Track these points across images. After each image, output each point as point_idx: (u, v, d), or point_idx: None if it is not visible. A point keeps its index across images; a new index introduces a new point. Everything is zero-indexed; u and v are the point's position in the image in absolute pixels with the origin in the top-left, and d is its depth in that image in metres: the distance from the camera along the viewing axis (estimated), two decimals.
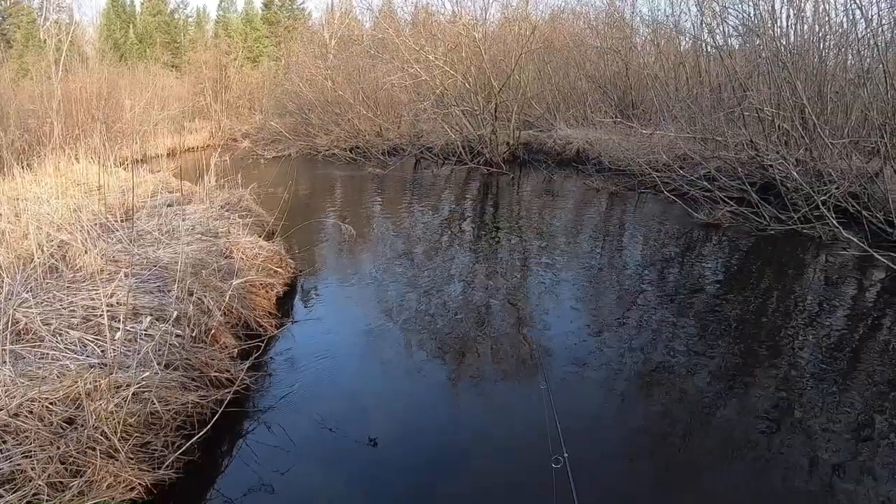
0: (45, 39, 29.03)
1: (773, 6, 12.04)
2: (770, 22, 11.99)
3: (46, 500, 3.12)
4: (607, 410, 4.73)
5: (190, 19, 56.43)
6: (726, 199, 10.48)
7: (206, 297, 5.55)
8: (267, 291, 6.86)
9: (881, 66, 9.73)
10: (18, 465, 3.21)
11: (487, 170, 17.88)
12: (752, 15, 12.48)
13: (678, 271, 8.60)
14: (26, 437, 3.39)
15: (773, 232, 9.56)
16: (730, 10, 13.33)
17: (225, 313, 5.62)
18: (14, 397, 3.61)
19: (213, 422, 4.11)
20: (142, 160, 17.92)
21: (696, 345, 5.85)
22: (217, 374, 4.71)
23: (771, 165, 10.57)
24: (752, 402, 4.76)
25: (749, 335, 6.14)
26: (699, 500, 3.71)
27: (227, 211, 9.59)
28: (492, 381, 5.22)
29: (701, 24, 14.90)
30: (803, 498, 3.66)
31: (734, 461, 3.99)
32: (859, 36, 10.87)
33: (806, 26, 12.16)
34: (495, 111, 18.61)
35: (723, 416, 4.59)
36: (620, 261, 9.10)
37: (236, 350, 5.28)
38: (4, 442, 3.36)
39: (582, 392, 4.98)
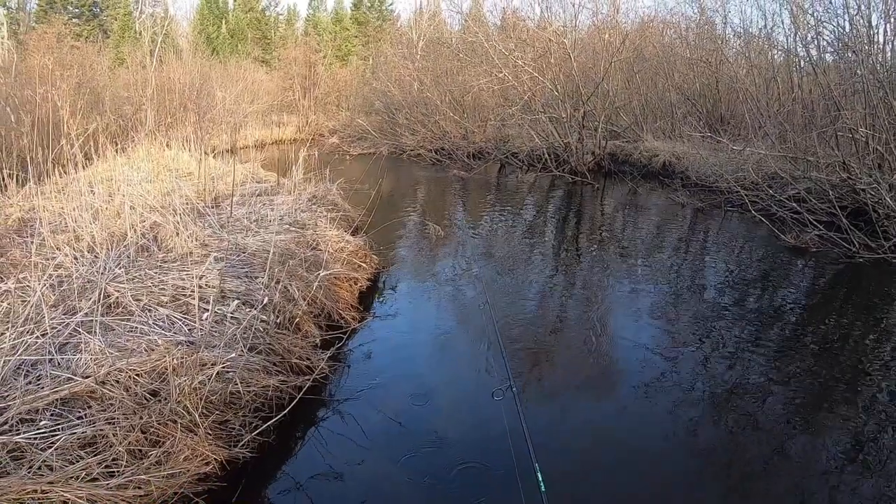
0: (141, 31, 30.32)
1: (870, 21, 11.76)
2: (866, 38, 11.75)
3: (125, 466, 3.27)
4: (675, 432, 4.75)
5: (281, 17, 57.98)
6: (815, 223, 10.30)
7: (291, 285, 5.78)
8: (351, 285, 7.10)
9: None
10: (101, 430, 3.40)
11: (572, 178, 17.94)
12: (847, 30, 12.22)
13: (760, 294, 8.56)
14: (111, 404, 3.62)
15: (861, 260, 9.36)
16: (825, 24, 13.06)
17: (309, 303, 5.85)
18: (102, 366, 3.86)
19: (290, 407, 4.32)
20: (231, 150, 18.46)
21: (771, 372, 5.80)
22: (298, 361, 4.94)
23: (863, 189, 10.36)
24: (825, 440, 4.65)
25: (827, 368, 5.99)
26: None
27: (314, 204, 9.83)
28: (563, 394, 5.36)
29: (795, 37, 14.61)
30: None
31: (800, 495, 4.00)
32: None
33: None
34: (582, 119, 18.64)
35: (793, 449, 4.52)
36: (702, 279, 9.12)
37: (318, 339, 5.53)
38: (90, 407, 3.59)
39: (653, 412, 5.01)
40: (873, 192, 10.01)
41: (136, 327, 4.50)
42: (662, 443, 4.59)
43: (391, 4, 54.23)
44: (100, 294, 4.73)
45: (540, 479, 3.21)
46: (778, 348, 6.45)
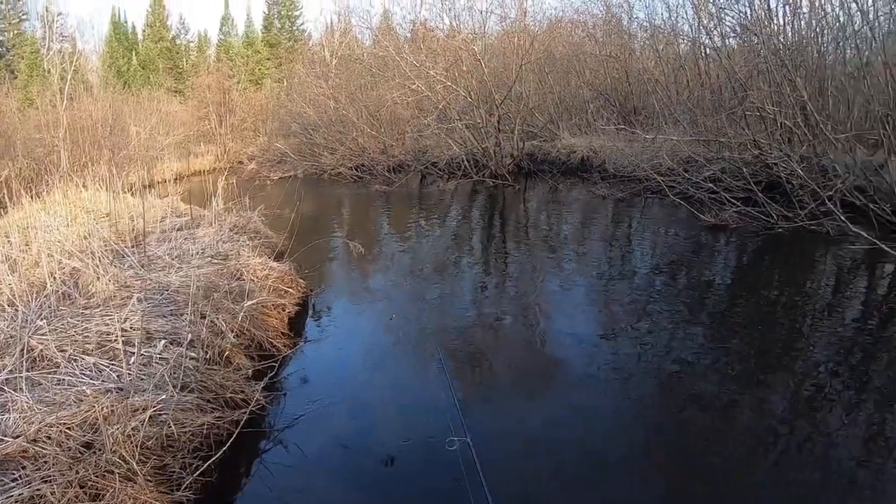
0: (50, 69, 29.38)
1: (768, 4, 12.04)
2: (767, 20, 12.01)
3: None
4: (625, 414, 4.73)
5: (192, 44, 56.76)
6: (732, 200, 10.49)
7: (218, 319, 5.56)
8: (279, 312, 6.84)
9: (880, 57, 9.73)
10: (38, 490, 3.22)
11: (493, 182, 17.90)
12: (748, 14, 12.48)
13: (688, 274, 8.58)
14: (45, 462, 3.42)
15: (780, 230, 9.54)
16: (726, 11, 13.34)
17: (238, 335, 5.61)
18: (32, 423, 3.66)
19: (229, 443, 4.11)
20: (149, 186, 17.94)
21: (710, 346, 5.84)
22: (232, 395, 4.72)
23: (775, 164, 10.56)
24: (769, 401, 4.73)
25: (762, 334, 6.11)
26: (721, 498, 3.69)
27: (236, 233, 9.56)
28: (506, 395, 5.20)
29: (699, 26, 14.89)
30: (820, 495, 3.65)
31: (754, 461, 3.95)
32: (856, 29, 10.84)
33: (803, 22, 12.15)
34: (498, 123, 18.62)
35: (740, 417, 4.55)
36: (630, 266, 9.09)
37: (250, 371, 5.27)
38: (24, 468, 3.38)
39: (599, 399, 4.95)
40: (785, 165, 10.18)
41: (64, 379, 4.32)
42: (610, 427, 4.56)
43: (302, 24, 53.70)
44: (23, 349, 4.52)
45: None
46: (711, 322, 6.55)
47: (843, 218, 8.32)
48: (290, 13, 53.58)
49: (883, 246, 7.22)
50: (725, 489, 3.75)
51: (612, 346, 5.92)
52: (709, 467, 3.99)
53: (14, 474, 3.35)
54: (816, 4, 11.88)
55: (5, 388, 4.13)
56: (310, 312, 7.52)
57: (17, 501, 3.18)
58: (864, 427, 4.30)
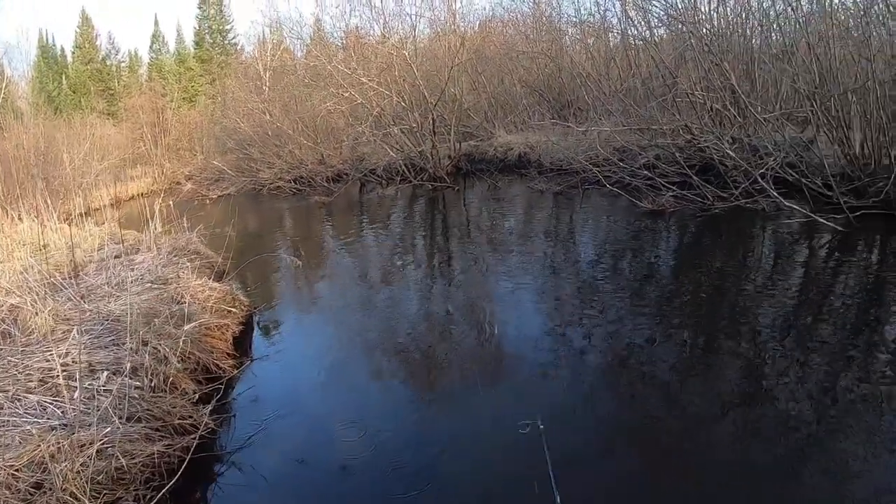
0: None
1: None
2: (692, 8, 12.13)
3: None
4: (577, 406, 4.69)
5: (123, 64, 55.51)
6: (668, 185, 10.55)
7: (160, 345, 5.49)
8: (222, 332, 6.76)
9: (804, 38, 9.87)
10: None
11: (432, 185, 17.75)
12: (675, 4, 12.60)
13: (630, 260, 8.58)
14: None
15: (717, 210, 9.65)
16: (653, 2, 13.45)
17: (182, 359, 5.53)
18: None
19: (181, 470, 4.04)
20: (86, 213, 17.47)
21: (657, 330, 5.85)
22: (180, 421, 4.68)
23: (707, 146, 10.65)
24: (718, 377, 4.80)
25: (706, 313, 6.22)
26: (679, 481, 3.67)
27: (175, 256, 9.35)
28: (458, 396, 5.12)
29: (626, 18, 15.00)
30: (778, 464, 3.65)
31: (708, 436, 4.02)
32: (779, 12, 11.00)
33: (728, 9, 12.31)
34: (433, 126, 18.54)
35: (690, 396, 4.61)
36: (573, 257, 9.06)
37: (197, 395, 5.20)
38: None
39: (551, 391, 4.93)
40: (717, 148, 10.27)
41: (7, 420, 4.27)
42: (568, 415, 4.54)
43: (234, 38, 52.91)
44: None
45: None
46: (659, 305, 6.60)
47: (776, 194, 8.40)
48: (220, 27, 52.80)
49: (817, 217, 7.31)
50: (680, 469, 3.77)
51: (562, 338, 5.93)
52: (660, 447, 4.01)
53: None
54: None
55: None
56: (255, 330, 7.42)
57: None
58: (812, 395, 4.35)
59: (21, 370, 4.93)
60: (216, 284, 7.83)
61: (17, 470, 3.61)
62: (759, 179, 8.87)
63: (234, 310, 7.39)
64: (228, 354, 6.28)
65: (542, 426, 3.70)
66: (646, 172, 11.11)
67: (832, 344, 5.09)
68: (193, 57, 52.44)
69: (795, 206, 7.98)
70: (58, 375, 4.55)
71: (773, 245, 8.48)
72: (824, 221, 7.29)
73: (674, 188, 10.48)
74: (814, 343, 5.16)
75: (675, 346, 5.39)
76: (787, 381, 4.50)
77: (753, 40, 11.90)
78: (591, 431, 4.33)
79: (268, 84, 28.91)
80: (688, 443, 3.98)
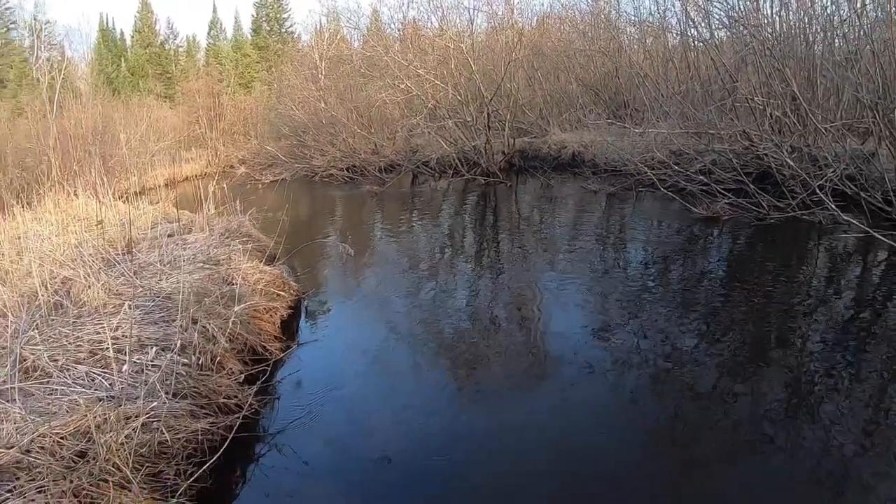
0: (38, 77, 29.19)
1: None
2: (755, 11, 12.00)
3: None
4: (619, 412, 4.69)
5: (181, 49, 56.68)
6: (724, 192, 10.49)
7: (210, 324, 5.54)
8: (271, 315, 6.81)
9: (868, 46, 9.72)
10: (32, 500, 3.23)
11: (484, 180, 17.84)
12: (736, 6, 12.48)
13: (681, 267, 8.56)
14: (39, 472, 3.41)
15: (772, 220, 9.56)
16: (715, 3, 13.32)
17: (230, 339, 5.60)
18: (25, 434, 3.65)
19: (223, 448, 4.10)
20: (140, 192, 17.87)
21: (705, 340, 5.80)
22: (225, 400, 4.72)
23: (766, 154, 10.53)
24: (765, 393, 4.69)
25: (756, 326, 6.12)
26: (715, 495, 3.67)
27: (227, 238, 9.45)
28: (502, 392, 5.15)
29: (686, 18, 14.87)
30: (817, 487, 3.61)
31: (749, 454, 3.93)
32: (843, 18, 10.84)
33: (791, 13, 12.15)
34: (488, 121, 18.60)
35: (735, 410, 4.50)
36: (623, 261, 9.05)
37: (243, 375, 5.27)
38: (18, 478, 3.37)
39: (594, 394, 4.93)
40: (775, 156, 10.16)
41: (56, 389, 4.33)
42: (605, 424, 4.52)
43: (291, 27, 53.57)
44: (15, 359, 4.50)
45: None
46: (707, 315, 6.48)
47: (833, 207, 8.30)
48: (278, 15, 53.54)
49: (874, 233, 7.21)
50: (722, 481, 3.75)
51: (607, 341, 5.88)
52: (700, 461, 3.97)
53: (8, 485, 3.34)
54: None
55: None
56: (302, 315, 7.48)
57: None
58: (860, 417, 4.28)
59: (72, 341, 5.01)
60: (266, 268, 7.93)
61: (62, 438, 3.68)
62: (818, 191, 8.76)
63: (283, 294, 7.49)
64: (275, 337, 6.38)
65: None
66: (701, 177, 11.07)
67: (882, 368, 5.00)
68: (250, 44, 53.29)
69: (853, 221, 7.88)
70: (107, 348, 4.60)
71: (828, 259, 8.39)
72: (882, 238, 7.19)
73: (729, 195, 10.40)
74: (863, 369, 5.03)
75: (720, 359, 5.32)
76: (832, 409, 4.38)
77: (816, 46, 11.71)
78: (632, 438, 4.31)
79: (323, 73, 29.18)
80: (727, 461, 3.93)
